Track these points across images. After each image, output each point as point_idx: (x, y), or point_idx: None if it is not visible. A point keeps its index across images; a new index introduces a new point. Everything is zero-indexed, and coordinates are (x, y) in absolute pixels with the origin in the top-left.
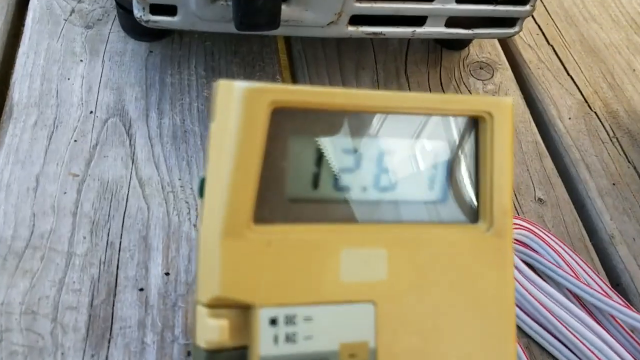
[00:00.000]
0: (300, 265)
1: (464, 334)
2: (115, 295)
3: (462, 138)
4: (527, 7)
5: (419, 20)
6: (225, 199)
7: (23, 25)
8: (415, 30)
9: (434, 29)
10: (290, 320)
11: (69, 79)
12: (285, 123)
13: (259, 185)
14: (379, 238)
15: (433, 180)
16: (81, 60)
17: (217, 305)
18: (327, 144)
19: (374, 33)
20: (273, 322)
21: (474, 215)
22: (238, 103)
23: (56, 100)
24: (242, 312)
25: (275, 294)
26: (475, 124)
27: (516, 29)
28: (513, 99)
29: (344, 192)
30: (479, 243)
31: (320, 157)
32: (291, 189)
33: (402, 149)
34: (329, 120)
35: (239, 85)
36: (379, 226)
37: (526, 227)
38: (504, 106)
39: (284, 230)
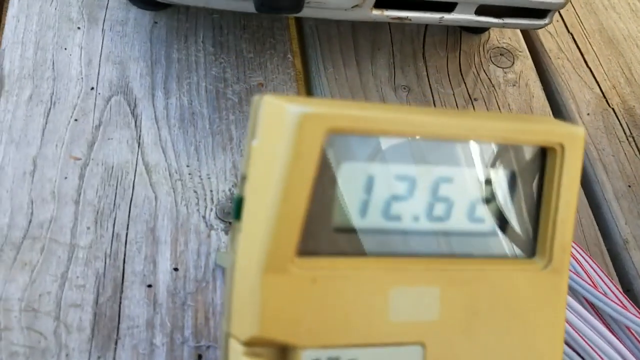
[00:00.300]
0: (346, 304)
1: None
2: (122, 291)
3: (524, 168)
4: (562, 0)
5: (448, 5)
6: (270, 230)
7: None
8: (443, 17)
9: (463, 16)
10: None
11: (65, 48)
12: (336, 147)
13: (306, 215)
14: (431, 275)
15: (489, 211)
16: (78, 28)
17: (254, 344)
18: (379, 169)
19: (400, 18)
20: None
21: (530, 249)
22: (291, 128)
23: (52, 73)
24: (281, 353)
25: (319, 335)
26: (542, 153)
27: (546, 20)
28: (535, 91)
29: (394, 221)
30: (535, 280)
31: (371, 183)
32: (338, 217)
33: (461, 176)
34: (383, 143)
35: (294, 111)
36: (432, 261)
37: None
38: (577, 137)
39: (329, 264)
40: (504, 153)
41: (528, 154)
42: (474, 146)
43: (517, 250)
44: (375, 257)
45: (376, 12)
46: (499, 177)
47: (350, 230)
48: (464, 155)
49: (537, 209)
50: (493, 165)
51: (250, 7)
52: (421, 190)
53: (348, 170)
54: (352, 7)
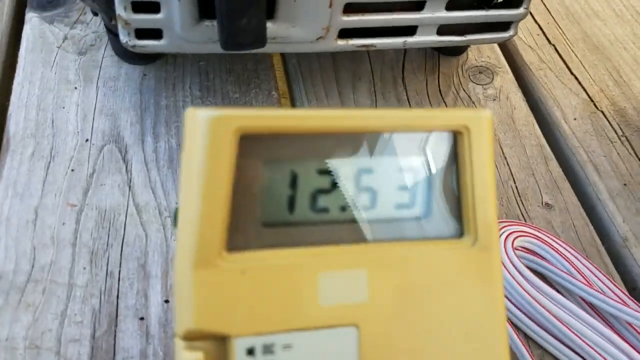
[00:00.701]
0: (276, 292)
1: (454, 354)
2: (116, 325)
3: (442, 153)
4: (521, 10)
5: (409, 29)
6: (196, 228)
7: (18, 54)
8: (406, 40)
9: (426, 38)
10: (268, 349)
11: (63, 107)
12: (255, 147)
13: (231, 212)
14: (358, 258)
15: (414, 196)
16: (75, 88)
17: (192, 338)
18: (301, 166)
19: (365, 45)
20: (250, 352)
21: (458, 230)
22: (204, 131)
23: (52, 130)
24: (218, 344)
25: (252, 323)
26: (454, 138)
27: (511, 32)
28: (517, 103)
29: (321, 213)
30: (465, 258)
31: (294, 180)
32: (265, 213)
33: (381, 166)
34: (301, 142)
35: (203, 114)
36: (359, 246)
37: (533, 235)
38: (482, 119)
39: (258, 256)
40: (420, 140)
41: (442, 140)
42: (389, 136)
43: (445, 232)
44: (303, 246)
45: (341, 42)
46: (419, 164)
47: (279, 225)
48: (381, 146)
49: (459, 190)
50: (412, 153)
51: (218, 48)
52: (344, 182)
53: (271, 169)
54: (317, 39)
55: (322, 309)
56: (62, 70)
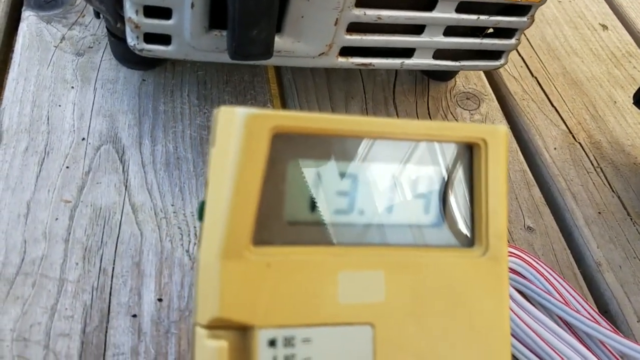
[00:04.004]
0: (298, 287)
1: (461, 357)
2: (108, 321)
3: (457, 164)
4: (513, 41)
5: (407, 51)
6: (225, 221)
7: (12, 51)
8: (404, 62)
9: (422, 61)
10: (289, 341)
11: (59, 105)
12: (284, 148)
13: (258, 208)
14: (376, 260)
15: (429, 204)
16: (72, 87)
17: (216, 327)
18: (324, 168)
19: (364, 64)
20: (272, 343)
21: (469, 239)
22: (240, 129)
23: (47, 127)
24: (241, 334)
25: (274, 315)
26: (470, 150)
27: (502, 61)
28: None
29: (341, 215)
30: (475, 267)
31: (318, 181)
32: (290, 212)
33: (399, 173)
34: (327, 145)
35: (241, 112)
36: (376, 249)
37: (518, 255)
38: (499, 134)
39: (283, 252)
40: (438, 150)
41: (458, 151)
42: (409, 144)
43: (457, 241)
44: (325, 245)
45: (342, 60)
46: (436, 173)
47: (302, 224)
48: (401, 153)
49: (472, 201)
50: (430, 162)
51: (225, 58)
52: (364, 186)
53: (296, 168)
54: (319, 55)
55: (342, 306)
56: (59, 70)
